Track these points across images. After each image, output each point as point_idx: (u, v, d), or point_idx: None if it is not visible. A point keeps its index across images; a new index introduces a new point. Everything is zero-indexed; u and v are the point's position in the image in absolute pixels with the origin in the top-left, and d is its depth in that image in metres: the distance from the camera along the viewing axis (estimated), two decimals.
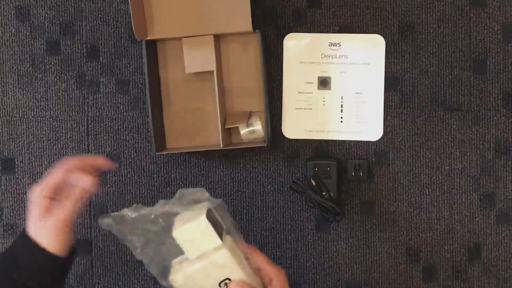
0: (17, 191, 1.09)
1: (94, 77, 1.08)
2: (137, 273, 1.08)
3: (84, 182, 0.85)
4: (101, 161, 0.91)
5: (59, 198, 0.86)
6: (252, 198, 1.07)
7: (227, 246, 0.84)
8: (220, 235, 0.83)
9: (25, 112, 1.08)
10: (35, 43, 1.08)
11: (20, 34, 1.08)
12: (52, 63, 1.08)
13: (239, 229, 1.08)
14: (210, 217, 0.83)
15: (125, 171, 1.08)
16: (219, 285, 0.84)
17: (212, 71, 1.02)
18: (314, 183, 1.02)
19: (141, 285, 1.08)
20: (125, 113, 1.08)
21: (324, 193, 1.02)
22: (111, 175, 1.08)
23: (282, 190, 1.07)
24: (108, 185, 1.08)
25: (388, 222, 1.06)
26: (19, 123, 1.08)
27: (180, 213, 0.85)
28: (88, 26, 1.08)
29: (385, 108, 1.06)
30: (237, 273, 0.84)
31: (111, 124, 1.08)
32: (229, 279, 0.84)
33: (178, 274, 0.84)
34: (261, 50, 1.01)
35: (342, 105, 1.06)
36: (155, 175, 1.08)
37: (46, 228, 0.84)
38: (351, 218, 1.07)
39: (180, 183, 1.07)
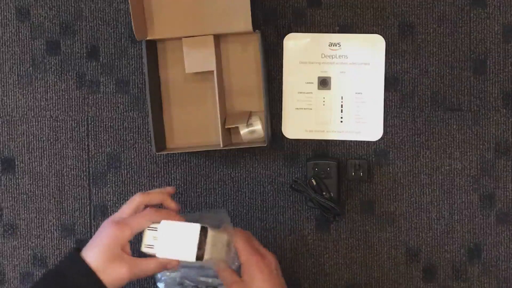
0: (17, 191, 1.09)
1: (94, 77, 1.08)
2: None
3: (171, 264, 0.86)
4: (163, 194, 0.92)
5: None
6: (252, 198, 1.07)
7: (208, 252, 0.84)
8: (203, 245, 0.84)
9: (25, 112, 1.08)
10: (35, 43, 1.08)
11: (20, 34, 1.08)
12: (52, 63, 1.08)
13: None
14: (200, 241, 0.83)
15: (125, 171, 1.08)
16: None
17: (212, 71, 1.02)
18: (314, 183, 1.02)
19: (141, 285, 1.08)
20: (125, 113, 1.08)
21: (324, 193, 1.02)
22: (111, 175, 1.08)
23: (282, 190, 1.07)
24: (108, 185, 1.08)
25: (388, 222, 1.06)
26: (19, 123, 1.08)
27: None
28: (88, 26, 1.08)
29: (385, 108, 1.06)
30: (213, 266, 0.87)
31: (111, 124, 1.08)
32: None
33: (161, 248, 0.85)
34: (261, 50, 1.01)
35: (342, 105, 1.06)
36: (155, 175, 1.08)
37: (117, 272, 0.83)
38: (351, 218, 1.07)
39: (180, 183, 1.07)
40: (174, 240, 0.84)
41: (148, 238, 0.86)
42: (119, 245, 0.84)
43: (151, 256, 0.85)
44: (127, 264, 0.84)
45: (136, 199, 0.88)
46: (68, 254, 0.85)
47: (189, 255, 0.83)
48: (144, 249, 0.86)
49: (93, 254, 0.83)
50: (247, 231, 0.91)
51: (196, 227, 0.83)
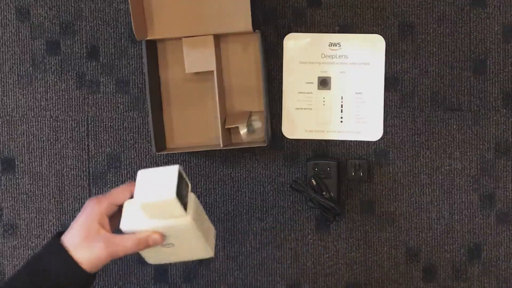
0: (17, 191, 1.09)
1: (94, 77, 1.08)
2: (137, 273, 1.08)
3: (156, 237, 0.81)
4: None
5: (114, 222, 0.83)
6: (252, 198, 1.07)
7: (191, 211, 0.81)
8: (186, 200, 0.81)
9: (25, 112, 1.08)
10: (35, 43, 1.08)
11: (20, 34, 1.08)
12: (52, 63, 1.08)
13: (238, 229, 1.08)
14: (179, 182, 0.79)
15: (125, 171, 1.08)
16: (163, 244, 0.82)
17: (212, 71, 1.02)
18: (314, 183, 1.02)
19: (141, 285, 1.08)
20: (125, 113, 1.08)
21: (324, 193, 1.02)
22: (111, 175, 1.08)
23: (282, 190, 1.07)
24: (108, 185, 1.08)
25: (388, 222, 1.06)
26: (19, 123, 1.08)
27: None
28: (88, 26, 1.08)
29: (385, 108, 1.06)
30: (192, 235, 0.82)
31: (111, 124, 1.08)
32: (173, 245, 0.83)
33: (129, 223, 0.81)
34: (261, 50, 1.01)
35: (342, 105, 1.06)
36: None
37: (94, 249, 0.80)
38: (351, 218, 1.07)
39: None
40: (152, 183, 0.79)
41: (126, 211, 0.82)
42: (96, 220, 0.81)
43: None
44: (103, 239, 0.80)
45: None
46: (50, 238, 0.84)
47: (168, 193, 0.78)
48: (122, 224, 0.82)
49: (70, 234, 0.81)
50: None
51: (174, 168, 0.80)
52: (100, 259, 0.80)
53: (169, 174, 0.80)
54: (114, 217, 0.84)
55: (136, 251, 0.82)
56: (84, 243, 0.80)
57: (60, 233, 0.84)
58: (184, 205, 0.80)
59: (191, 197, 0.83)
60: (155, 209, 0.80)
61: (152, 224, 0.81)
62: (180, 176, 0.80)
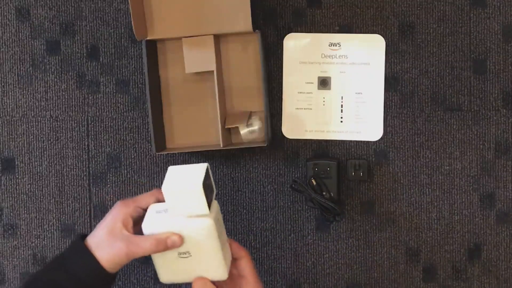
0: (17, 191, 1.09)
1: (94, 77, 1.08)
2: (137, 273, 1.08)
3: (175, 239, 0.82)
4: None
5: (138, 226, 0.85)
6: (252, 198, 1.07)
7: (213, 214, 0.83)
8: (210, 201, 0.82)
9: (25, 112, 1.08)
10: (35, 43, 1.08)
11: (20, 34, 1.08)
12: (52, 63, 1.08)
13: (238, 229, 1.08)
14: (206, 179, 0.82)
15: (125, 171, 1.08)
16: (179, 253, 0.83)
17: (212, 71, 1.02)
18: (314, 183, 1.02)
19: (141, 285, 1.08)
20: (125, 113, 1.08)
21: (324, 193, 1.02)
22: (111, 175, 1.08)
23: (282, 190, 1.07)
24: (108, 185, 1.08)
25: (388, 222, 1.06)
26: (19, 123, 1.08)
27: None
28: (88, 26, 1.08)
29: (385, 108, 1.06)
30: (211, 242, 0.83)
31: (111, 124, 1.08)
32: (190, 254, 0.83)
33: (151, 223, 0.83)
34: (261, 50, 1.01)
35: (342, 105, 1.06)
36: (155, 175, 1.08)
37: (114, 248, 0.82)
38: (351, 218, 1.07)
39: None
40: (180, 176, 0.81)
41: (157, 206, 0.85)
42: (120, 220, 0.83)
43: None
44: (123, 239, 0.82)
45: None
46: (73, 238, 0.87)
47: (194, 184, 0.80)
48: (144, 225, 0.83)
49: (94, 233, 0.84)
50: None
51: (203, 165, 0.82)
52: (119, 258, 0.82)
53: (198, 169, 0.82)
54: (139, 221, 0.85)
55: (154, 251, 0.83)
56: (106, 242, 0.82)
57: (84, 236, 0.86)
58: (208, 203, 0.81)
59: (214, 204, 0.85)
60: (180, 199, 0.81)
61: (173, 226, 0.82)
62: (207, 174, 0.82)
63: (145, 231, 0.84)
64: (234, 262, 0.88)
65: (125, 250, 0.81)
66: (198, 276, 0.85)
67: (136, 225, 0.85)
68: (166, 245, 0.82)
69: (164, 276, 0.87)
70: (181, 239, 0.82)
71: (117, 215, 0.84)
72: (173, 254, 0.84)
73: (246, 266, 0.87)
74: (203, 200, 0.81)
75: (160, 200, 0.87)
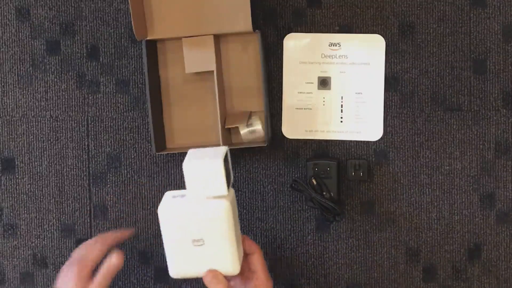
0: (17, 191, 1.09)
1: (94, 77, 1.08)
2: (137, 273, 1.08)
3: (112, 260, 0.87)
4: (120, 236, 0.95)
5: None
6: (252, 198, 1.07)
7: (230, 198, 0.82)
8: (228, 184, 0.82)
9: (25, 112, 1.08)
10: (35, 43, 1.08)
11: (20, 34, 1.08)
12: (52, 63, 1.08)
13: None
14: (225, 160, 0.82)
15: (125, 171, 1.08)
16: (194, 240, 0.83)
17: (212, 71, 1.02)
18: (314, 182, 1.02)
19: (141, 285, 1.08)
20: (125, 113, 1.08)
21: (324, 193, 1.02)
22: (111, 175, 1.08)
23: (282, 190, 1.07)
24: (108, 185, 1.08)
25: (388, 222, 1.06)
26: (19, 123, 1.08)
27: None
28: (88, 26, 1.08)
29: (385, 108, 1.06)
30: (226, 228, 0.82)
31: (111, 124, 1.08)
32: (203, 242, 0.83)
33: (167, 206, 0.83)
34: (261, 50, 1.01)
35: (342, 105, 1.06)
36: (155, 175, 1.08)
37: None
38: (351, 218, 1.07)
39: (180, 183, 1.07)
40: (200, 155, 0.82)
41: (173, 192, 0.85)
42: (76, 286, 0.86)
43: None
44: None
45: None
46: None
47: (215, 160, 0.80)
48: (160, 208, 0.84)
49: None
50: None
51: (219, 162, 0.81)
52: None
53: (218, 150, 0.83)
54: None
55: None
56: None
57: None
58: (227, 183, 0.81)
59: (231, 192, 0.84)
60: (199, 177, 0.81)
61: (189, 209, 0.82)
62: (226, 157, 0.82)
63: (161, 216, 0.83)
64: (245, 257, 0.88)
65: None
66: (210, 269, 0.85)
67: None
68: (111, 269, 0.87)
69: (175, 270, 0.86)
70: (120, 257, 0.87)
71: (72, 283, 0.86)
72: (187, 242, 0.83)
73: (257, 262, 0.87)
74: (223, 179, 0.80)
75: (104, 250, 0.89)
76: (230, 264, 0.85)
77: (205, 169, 0.81)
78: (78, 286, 0.86)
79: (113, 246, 0.93)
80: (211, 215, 0.82)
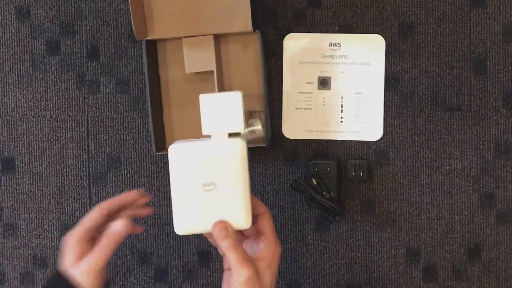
0: (17, 191, 1.09)
1: (94, 77, 1.08)
2: (137, 273, 1.08)
3: (116, 227, 0.82)
4: (132, 196, 0.88)
5: (96, 240, 0.84)
6: None
7: (243, 143, 0.78)
8: (245, 117, 0.80)
9: (25, 112, 1.09)
10: (35, 43, 1.08)
11: (20, 34, 1.08)
12: (52, 63, 1.08)
13: None
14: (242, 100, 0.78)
15: (125, 171, 1.08)
16: (204, 184, 0.78)
17: (212, 71, 1.02)
18: (315, 182, 1.02)
19: (141, 285, 1.08)
20: (125, 113, 1.08)
21: (324, 193, 1.02)
22: (111, 175, 1.08)
23: (282, 190, 1.07)
24: (108, 185, 1.08)
25: (388, 222, 1.06)
26: (19, 123, 1.08)
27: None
28: (88, 26, 1.08)
29: (385, 108, 1.06)
30: (241, 170, 0.77)
31: (111, 124, 1.08)
32: (215, 186, 0.77)
33: (179, 145, 0.78)
34: (261, 50, 1.01)
35: (342, 105, 1.06)
36: (155, 175, 1.08)
37: (80, 271, 0.82)
38: (351, 218, 1.07)
39: None
40: (218, 113, 0.78)
41: (177, 142, 0.81)
42: (73, 250, 0.83)
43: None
44: (85, 261, 0.82)
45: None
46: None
47: (237, 126, 0.77)
48: (171, 148, 0.79)
49: (63, 267, 0.84)
50: None
51: (238, 95, 0.78)
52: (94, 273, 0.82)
53: (232, 93, 0.79)
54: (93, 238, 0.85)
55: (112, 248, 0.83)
56: (76, 272, 0.82)
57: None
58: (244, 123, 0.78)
59: (244, 140, 0.80)
60: (216, 109, 0.77)
61: (200, 147, 0.78)
62: (242, 99, 0.79)
63: (171, 156, 0.78)
64: (253, 218, 0.81)
65: (90, 264, 0.81)
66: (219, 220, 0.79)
67: (92, 241, 0.85)
68: (119, 236, 0.82)
69: (181, 224, 0.79)
70: (125, 224, 0.82)
71: (69, 248, 0.84)
72: (197, 187, 0.77)
73: (266, 223, 0.82)
74: (241, 113, 0.77)
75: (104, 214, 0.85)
76: (241, 214, 0.78)
77: (223, 102, 0.76)
78: (74, 252, 0.82)
79: (119, 211, 0.88)
80: (225, 154, 0.77)
